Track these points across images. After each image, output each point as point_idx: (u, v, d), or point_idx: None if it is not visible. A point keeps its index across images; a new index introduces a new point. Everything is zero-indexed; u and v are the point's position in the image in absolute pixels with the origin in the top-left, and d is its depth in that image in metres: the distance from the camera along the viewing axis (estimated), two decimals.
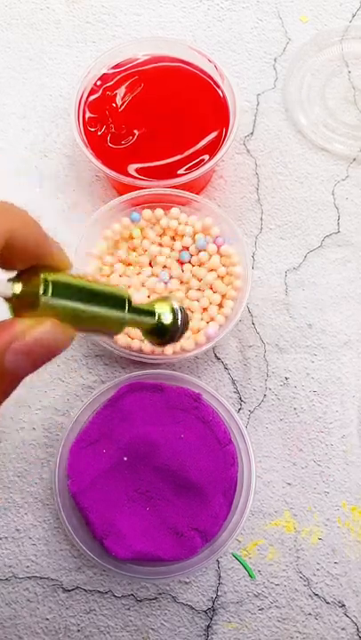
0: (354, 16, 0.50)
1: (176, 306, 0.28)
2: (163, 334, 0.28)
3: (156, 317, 0.27)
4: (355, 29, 0.49)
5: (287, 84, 0.48)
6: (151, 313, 0.27)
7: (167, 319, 0.27)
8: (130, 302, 0.25)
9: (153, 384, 0.38)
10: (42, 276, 0.20)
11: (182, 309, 0.28)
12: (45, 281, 0.20)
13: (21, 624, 0.37)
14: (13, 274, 0.22)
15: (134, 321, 0.26)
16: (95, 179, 0.46)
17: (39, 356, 0.20)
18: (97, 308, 0.23)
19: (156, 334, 0.28)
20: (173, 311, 0.28)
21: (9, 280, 0.20)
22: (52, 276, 0.21)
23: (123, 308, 0.24)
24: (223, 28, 0.50)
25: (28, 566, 0.38)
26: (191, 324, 0.39)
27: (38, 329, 0.20)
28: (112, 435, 0.37)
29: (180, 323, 0.28)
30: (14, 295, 0.20)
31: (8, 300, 0.20)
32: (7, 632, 0.37)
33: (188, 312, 0.29)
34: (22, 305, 0.20)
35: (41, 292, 0.20)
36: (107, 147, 0.42)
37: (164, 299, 0.29)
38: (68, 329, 0.21)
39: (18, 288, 0.20)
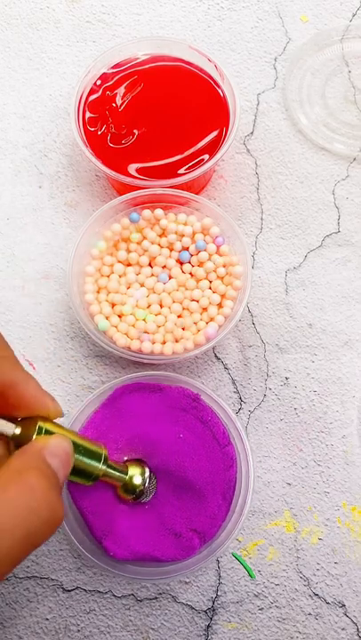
0: (354, 15, 0.50)
1: (147, 471, 0.34)
2: (132, 491, 0.33)
3: (128, 477, 0.33)
4: (355, 29, 0.49)
5: (287, 83, 0.48)
6: (124, 471, 0.33)
7: (137, 480, 0.33)
8: (106, 458, 0.30)
9: (152, 384, 0.38)
10: (38, 423, 0.25)
11: (152, 475, 0.34)
12: (40, 428, 0.25)
13: (21, 624, 0.37)
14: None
15: (108, 474, 0.31)
16: (95, 178, 0.46)
17: (65, 459, 0.25)
18: (78, 456, 0.28)
19: (127, 490, 0.33)
20: (143, 473, 0.34)
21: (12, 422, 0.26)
22: (46, 425, 0.26)
23: (99, 461, 0.29)
24: (223, 28, 0.50)
25: (28, 566, 0.38)
26: (191, 324, 0.39)
27: (53, 438, 0.25)
28: (110, 434, 0.36)
29: (147, 484, 0.34)
30: (14, 435, 0.25)
31: (9, 438, 0.25)
32: (7, 632, 0.37)
33: (154, 478, 0.35)
34: (19, 445, 0.25)
35: (34, 434, 0.25)
36: (107, 146, 0.42)
37: (138, 462, 0.34)
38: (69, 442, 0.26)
39: (18, 430, 0.25)
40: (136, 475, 0.33)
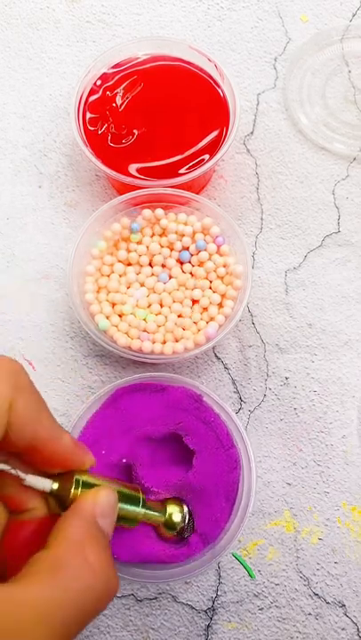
0: (354, 15, 0.50)
1: (185, 508, 0.34)
2: (173, 529, 0.34)
3: (167, 515, 0.33)
4: (355, 29, 0.49)
5: (287, 83, 0.48)
6: (162, 510, 0.33)
7: (176, 517, 0.34)
8: (144, 501, 0.30)
9: (154, 384, 0.38)
10: (75, 476, 0.26)
11: (190, 512, 0.35)
12: (77, 480, 0.26)
13: None
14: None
15: (147, 516, 0.31)
16: (95, 178, 0.46)
17: (113, 516, 0.26)
18: (120, 505, 0.28)
19: (167, 528, 0.34)
20: (182, 510, 0.34)
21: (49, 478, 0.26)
22: (83, 477, 0.26)
23: (138, 504, 0.30)
24: (223, 28, 0.50)
25: None
26: (191, 324, 0.39)
27: (101, 496, 0.25)
28: (111, 435, 0.36)
29: (186, 520, 0.34)
30: (52, 491, 0.25)
31: (48, 494, 0.25)
32: None
33: (191, 518, 0.35)
34: (58, 499, 0.25)
35: (72, 488, 0.25)
36: (107, 146, 0.42)
37: (175, 500, 0.34)
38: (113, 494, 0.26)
39: (55, 485, 0.25)
40: (175, 512, 0.34)
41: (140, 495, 0.30)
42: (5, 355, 0.42)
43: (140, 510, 0.30)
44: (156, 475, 0.36)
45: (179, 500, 0.35)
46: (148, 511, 0.31)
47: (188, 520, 0.34)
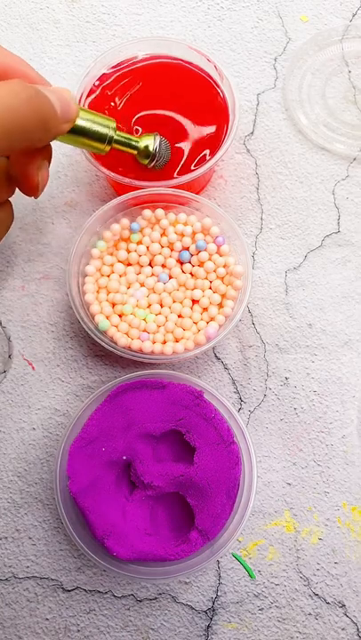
0: (354, 15, 0.50)
1: (158, 138, 0.39)
2: (146, 155, 0.39)
3: (141, 145, 0.38)
4: (355, 29, 0.49)
5: (287, 83, 0.48)
6: (136, 139, 0.38)
7: (149, 146, 0.38)
8: (115, 126, 0.36)
9: (154, 381, 0.38)
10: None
11: (164, 142, 0.39)
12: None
13: (21, 624, 0.37)
14: None
15: (120, 138, 0.37)
16: (95, 178, 0.46)
17: (63, 100, 0.31)
18: (86, 116, 0.34)
19: (142, 156, 0.39)
20: (155, 140, 0.39)
21: None
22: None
23: (109, 126, 0.35)
24: (223, 28, 0.50)
25: (27, 566, 0.38)
26: (192, 324, 0.39)
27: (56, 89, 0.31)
28: (111, 432, 0.37)
29: (158, 148, 0.39)
30: None
31: None
32: (7, 632, 0.37)
33: (167, 145, 0.40)
34: None
35: None
36: None
37: (151, 133, 0.39)
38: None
39: None
40: (149, 142, 0.39)
41: (113, 120, 0.35)
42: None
43: (109, 130, 0.35)
44: (157, 471, 0.36)
45: (153, 134, 0.39)
46: (120, 133, 0.37)
47: (160, 148, 0.39)
